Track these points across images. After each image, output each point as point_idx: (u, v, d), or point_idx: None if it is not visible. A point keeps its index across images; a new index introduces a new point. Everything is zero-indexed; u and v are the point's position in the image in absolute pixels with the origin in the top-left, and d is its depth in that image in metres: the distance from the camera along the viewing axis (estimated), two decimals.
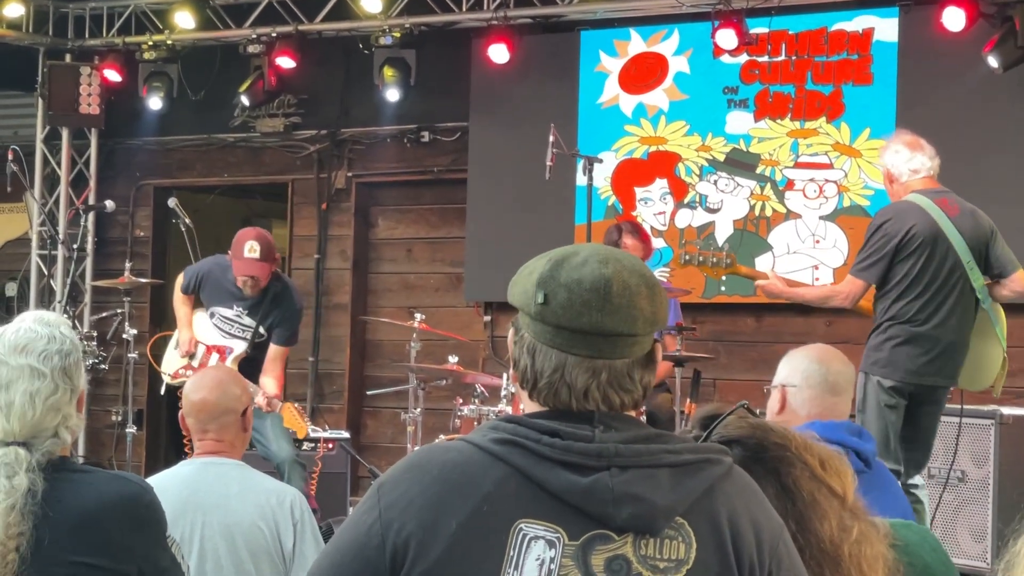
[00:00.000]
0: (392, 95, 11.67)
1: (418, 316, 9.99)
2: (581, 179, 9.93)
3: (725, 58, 10.83)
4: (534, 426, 2.52)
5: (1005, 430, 8.23)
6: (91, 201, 12.63)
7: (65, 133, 13.12)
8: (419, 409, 9.76)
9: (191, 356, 9.10)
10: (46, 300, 12.74)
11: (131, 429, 10.71)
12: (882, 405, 7.14)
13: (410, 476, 2.53)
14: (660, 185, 11.17)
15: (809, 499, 2.78)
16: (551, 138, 9.01)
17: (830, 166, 10.61)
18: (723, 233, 10.90)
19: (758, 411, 2.97)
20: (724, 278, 10.66)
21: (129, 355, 10.59)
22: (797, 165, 10.71)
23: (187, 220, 10.35)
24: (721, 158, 10.94)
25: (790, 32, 10.77)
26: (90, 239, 13.04)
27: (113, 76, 12.52)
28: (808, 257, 10.63)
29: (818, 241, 10.62)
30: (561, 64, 11.48)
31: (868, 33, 10.55)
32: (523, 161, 10.94)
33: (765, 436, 2.85)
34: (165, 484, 4.40)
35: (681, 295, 9.57)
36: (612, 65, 11.34)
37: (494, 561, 2.44)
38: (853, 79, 10.58)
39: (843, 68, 10.62)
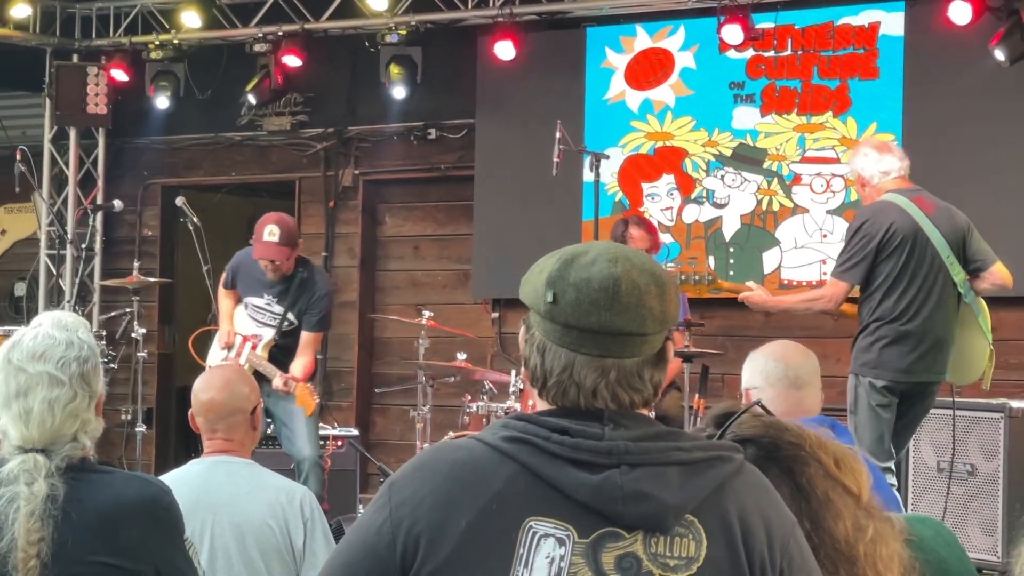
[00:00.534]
0: (398, 93, 11.67)
1: (426, 313, 10.00)
2: (588, 175, 9.93)
3: (731, 53, 10.83)
4: (544, 424, 2.52)
5: (1015, 424, 8.24)
6: (99, 201, 12.64)
7: (73, 133, 13.15)
8: (428, 406, 9.77)
9: (229, 348, 9.15)
10: (55, 300, 12.75)
11: (141, 428, 10.71)
12: (874, 406, 7.17)
13: (420, 475, 2.54)
14: (667, 181, 11.17)
15: (824, 498, 2.77)
16: (558, 135, 9.02)
17: (837, 160, 10.61)
18: (730, 228, 10.91)
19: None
20: (732, 272, 10.67)
21: (138, 354, 10.59)
22: (804, 160, 10.71)
23: (195, 219, 10.35)
24: (728, 153, 10.94)
25: (796, 27, 10.77)
26: (98, 238, 13.06)
27: (120, 76, 12.53)
28: (815, 252, 10.63)
29: (825, 235, 10.61)
30: (567, 60, 11.48)
31: (874, 27, 10.54)
32: (530, 158, 10.95)
33: (779, 435, 2.84)
34: (175, 483, 4.38)
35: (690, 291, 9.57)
36: (618, 61, 11.34)
37: (504, 559, 2.44)
38: (859, 73, 10.58)
39: (849, 62, 10.62)
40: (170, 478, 4.74)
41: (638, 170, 11.24)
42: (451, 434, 9.08)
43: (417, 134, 12.34)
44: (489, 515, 2.46)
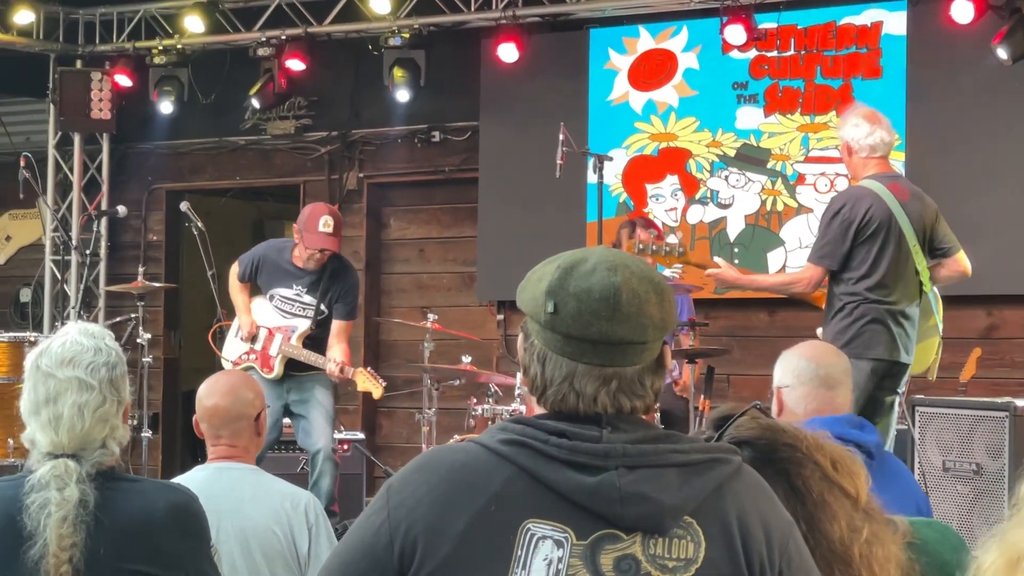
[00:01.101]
0: (402, 96, 11.68)
1: (431, 316, 10.00)
2: (592, 177, 9.94)
3: (734, 54, 10.84)
4: (542, 427, 2.52)
5: (1020, 422, 8.22)
6: (104, 206, 12.64)
7: (77, 139, 13.16)
8: (433, 409, 9.76)
9: (253, 339, 9.16)
10: (60, 305, 12.77)
11: (147, 433, 10.72)
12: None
13: (418, 477, 2.54)
14: (671, 181, 11.17)
15: (819, 499, 2.78)
16: (561, 136, 9.01)
17: (841, 160, 10.57)
18: (735, 228, 10.91)
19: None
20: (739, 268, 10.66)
21: (144, 359, 10.58)
22: (808, 159, 10.71)
23: (199, 223, 10.35)
24: (732, 153, 10.94)
25: (799, 27, 10.77)
26: (103, 244, 13.07)
27: (124, 81, 12.55)
28: None
29: None
30: (570, 62, 11.48)
31: (877, 27, 10.54)
32: (534, 160, 10.95)
33: (776, 437, 2.85)
34: None
35: (694, 291, 9.57)
36: (621, 62, 11.35)
37: (502, 561, 2.45)
38: (862, 73, 10.58)
39: (852, 62, 10.62)
40: None
41: (642, 171, 11.24)
42: (457, 437, 9.10)
43: (421, 137, 12.35)
44: (487, 517, 2.46)
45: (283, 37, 11.84)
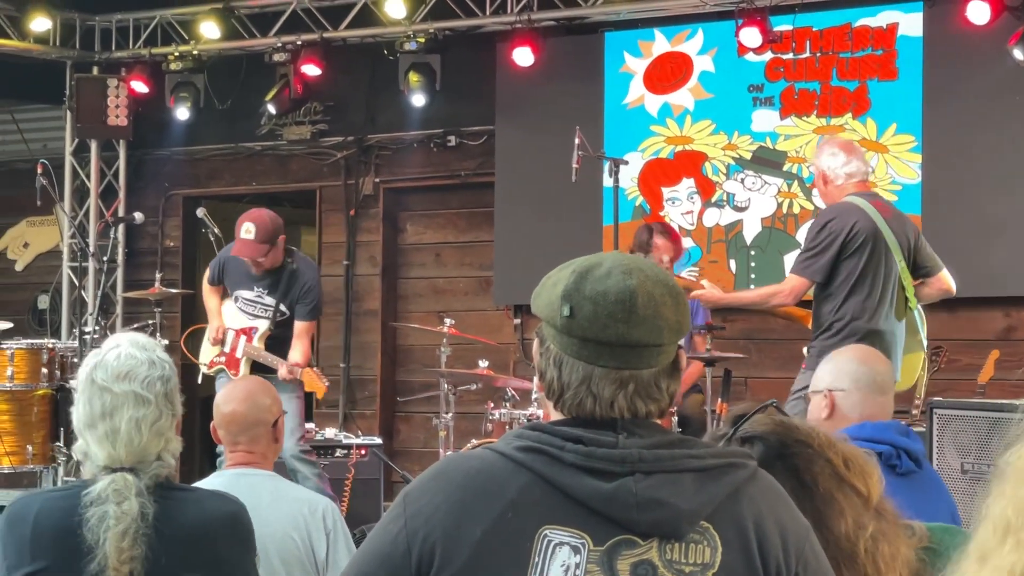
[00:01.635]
0: (418, 100, 11.69)
1: (448, 321, 9.99)
2: (608, 180, 9.93)
3: (750, 56, 10.82)
4: (558, 433, 2.53)
5: None
6: (120, 212, 12.69)
7: (94, 145, 13.19)
8: (451, 414, 9.76)
9: (221, 343, 9.22)
10: (78, 312, 12.80)
11: None
12: None
13: (435, 484, 2.55)
14: (687, 185, 11.17)
15: (827, 496, 2.80)
16: (577, 140, 9.02)
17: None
18: (751, 231, 10.90)
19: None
20: (753, 276, 10.68)
21: None
22: None
23: (216, 229, 10.37)
24: (748, 156, 10.93)
25: (814, 29, 10.76)
26: (120, 250, 13.09)
27: (140, 87, 12.58)
28: None
29: None
30: (586, 66, 11.48)
31: (892, 28, 10.53)
32: (550, 163, 10.94)
33: (788, 433, 2.87)
34: None
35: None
36: (637, 66, 11.35)
37: (519, 568, 2.45)
38: (878, 75, 10.56)
39: (868, 64, 10.60)
40: None
41: (658, 174, 11.23)
42: (474, 441, 9.10)
43: (437, 141, 12.36)
44: (504, 524, 2.47)
45: (299, 42, 11.86)
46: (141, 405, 3.65)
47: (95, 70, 13.00)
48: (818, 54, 10.76)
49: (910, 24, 10.48)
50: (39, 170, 10.59)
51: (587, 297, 2.55)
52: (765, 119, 10.89)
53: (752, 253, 10.90)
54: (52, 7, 12.48)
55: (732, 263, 10.92)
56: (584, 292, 2.55)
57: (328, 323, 12.54)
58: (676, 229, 10.22)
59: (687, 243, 10.79)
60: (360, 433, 10.96)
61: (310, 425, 9.28)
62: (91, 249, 12.42)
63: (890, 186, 10.43)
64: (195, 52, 12.36)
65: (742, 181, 10.99)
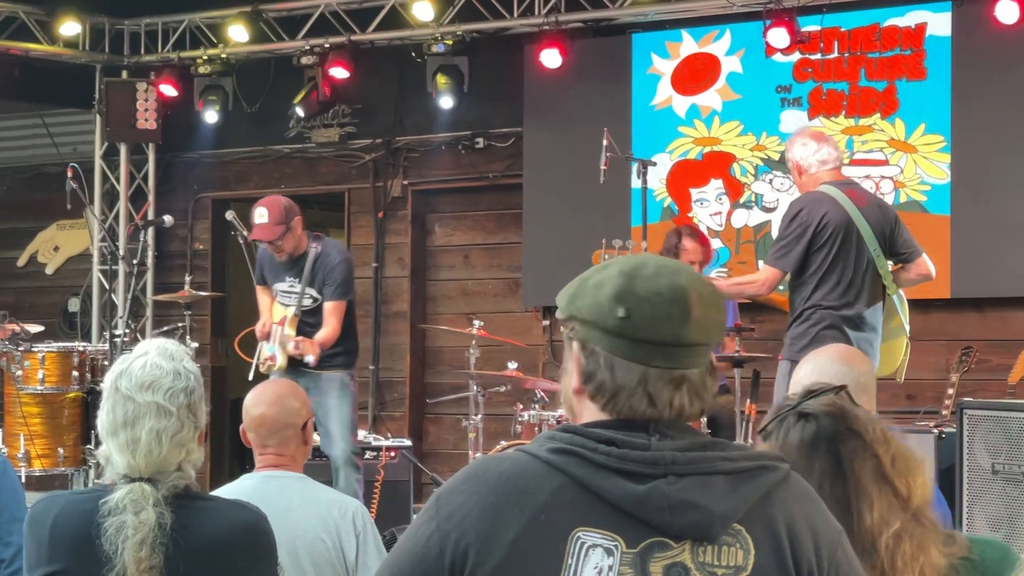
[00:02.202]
0: (446, 102, 11.71)
1: (476, 323, 10.00)
2: (636, 182, 9.94)
3: (777, 57, 10.81)
4: (590, 435, 2.52)
5: None
6: (150, 215, 12.73)
7: (123, 149, 13.25)
8: (480, 415, 9.76)
9: (268, 337, 9.25)
10: (108, 315, 12.83)
11: None
12: None
13: (467, 487, 2.54)
14: (715, 186, 11.16)
15: (859, 486, 2.81)
16: (605, 142, 9.02)
17: (885, 162, 10.57)
18: None
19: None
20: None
21: None
22: (852, 162, 10.66)
23: (245, 232, 10.38)
24: (776, 157, 10.91)
25: (842, 29, 10.74)
26: (150, 253, 13.14)
27: (169, 91, 12.63)
28: None
29: None
30: (613, 67, 11.48)
31: (921, 28, 10.50)
32: (578, 165, 10.94)
33: (843, 419, 2.92)
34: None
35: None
36: (664, 67, 11.34)
37: (552, 570, 2.45)
38: (907, 75, 10.54)
39: (896, 64, 10.58)
40: (222, 493, 4.76)
41: (686, 175, 11.23)
42: (503, 443, 9.11)
43: (465, 143, 12.37)
44: (537, 526, 2.46)
45: (326, 45, 11.88)
46: (163, 416, 3.64)
47: (124, 74, 13.07)
48: (846, 54, 10.74)
49: (938, 24, 10.45)
50: (69, 174, 10.63)
51: (643, 298, 2.53)
52: (793, 120, 10.86)
53: None
54: (81, 11, 12.54)
55: (760, 264, 10.89)
56: (639, 293, 2.53)
57: (357, 325, 12.54)
58: (704, 231, 10.22)
59: (715, 244, 10.78)
60: (390, 435, 10.98)
61: None
62: (121, 252, 12.47)
63: (919, 186, 10.41)
64: (223, 55, 12.40)
65: (770, 182, 10.98)
